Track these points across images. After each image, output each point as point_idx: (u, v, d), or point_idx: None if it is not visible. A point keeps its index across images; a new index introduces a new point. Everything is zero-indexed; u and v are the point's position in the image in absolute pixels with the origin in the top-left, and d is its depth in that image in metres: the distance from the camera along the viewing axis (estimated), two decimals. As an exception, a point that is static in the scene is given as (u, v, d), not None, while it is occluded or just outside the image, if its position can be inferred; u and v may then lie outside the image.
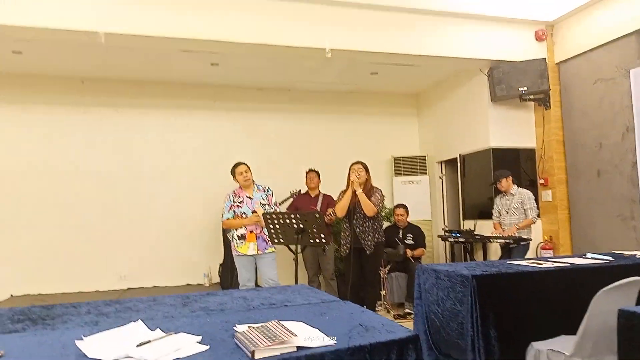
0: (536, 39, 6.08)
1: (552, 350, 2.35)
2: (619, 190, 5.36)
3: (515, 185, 5.38)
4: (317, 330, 1.59)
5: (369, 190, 4.58)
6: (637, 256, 3.35)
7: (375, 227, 4.56)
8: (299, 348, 1.40)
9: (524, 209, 5.18)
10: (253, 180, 4.76)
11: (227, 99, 7.20)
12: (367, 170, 4.63)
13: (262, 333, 1.45)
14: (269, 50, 5.31)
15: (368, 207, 4.46)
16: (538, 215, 5.28)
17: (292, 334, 1.44)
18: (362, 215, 4.54)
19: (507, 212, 5.28)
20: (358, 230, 4.55)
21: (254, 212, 4.58)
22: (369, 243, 4.53)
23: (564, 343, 2.38)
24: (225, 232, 6.20)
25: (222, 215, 4.70)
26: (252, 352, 1.34)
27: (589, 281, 2.73)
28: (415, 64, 6.16)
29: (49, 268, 6.26)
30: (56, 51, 5.55)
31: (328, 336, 1.51)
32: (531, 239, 5.22)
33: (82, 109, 6.61)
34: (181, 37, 4.89)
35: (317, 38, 5.26)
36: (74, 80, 6.58)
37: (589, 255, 3.43)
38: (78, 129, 6.58)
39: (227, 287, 6.06)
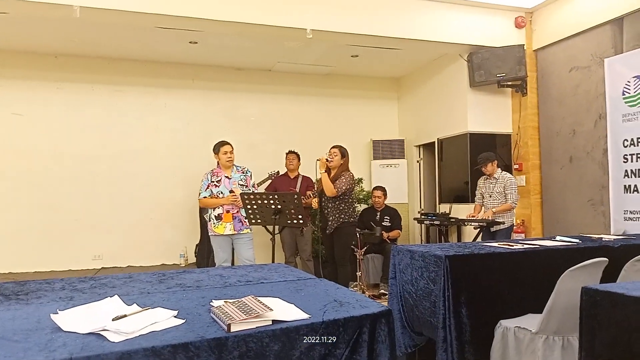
0: (516, 26, 6.15)
1: (519, 327, 2.44)
2: (590, 176, 5.51)
3: (500, 169, 5.35)
4: (292, 305, 1.62)
5: (340, 173, 4.73)
6: (604, 239, 3.47)
7: (341, 208, 4.74)
8: (274, 322, 1.43)
9: (506, 194, 5.18)
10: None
11: (206, 78, 7.11)
12: (343, 155, 4.79)
13: (238, 307, 1.47)
14: (250, 29, 5.25)
15: (327, 187, 4.68)
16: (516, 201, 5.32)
17: (268, 308, 1.47)
18: (326, 197, 4.77)
19: (490, 196, 5.27)
20: (326, 211, 4.79)
21: (231, 192, 4.57)
22: (330, 223, 4.74)
23: (530, 320, 2.47)
24: (202, 212, 6.18)
25: (199, 193, 4.68)
26: (228, 326, 1.37)
27: (557, 262, 2.83)
28: (396, 48, 6.17)
29: (21, 247, 6.16)
30: (29, 25, 5.38)
31: (303, 311, 1.54)
32: (513, 224, 5.28)
33: (56, 85, 6.45)
34: (159, 13, 4.79)
35: (298, 18, 5.22)
36: (47, 55, 6.40)
37: (558, 237, 3.54)
38: (51, 106, 6.43)
39: (204, 267, 6.06)
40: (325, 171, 4.74)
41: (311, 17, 5.25)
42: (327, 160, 4.75)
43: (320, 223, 4.97)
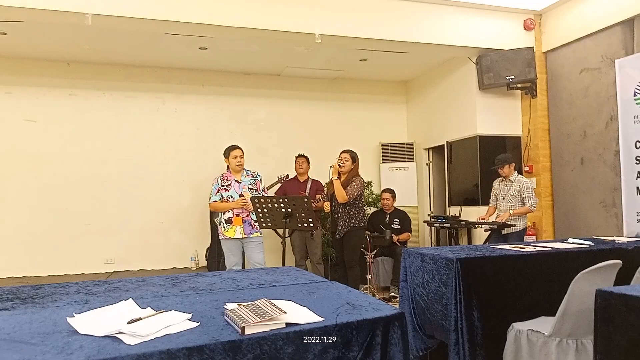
0: (524, 28, 6.12)
1: (532, 330, 2.42)
2: (602, 178, 5.46)
3: (516, 172, 5.28)
4: (305, 308, 1.62)
5: (351, 178, 4.74)
6: (617, 241, 3.44)
7: (351, 213, 4.76)
8: (288, 324, 1.44)
9: (522, 197, 5.09)
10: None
11: (215, 83, 7.16)
12: (354, 160, 4.80)
13: (251, 310, 1.48)
14: (259, 34, 5.27)
15: (339, 193, 4.71)
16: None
17: (281, 311, 1.47)
18: (337, 202, 4.80)
19: (504, 198, 5.22)
20: (336, 216, 4.83)
21: (241, 195, 4.60)
22: (340, 228, 4.79)
23: (543, 323, 2.45)
24: (212, 216, 6.21)
25: (210, 197, 4.71)
26: (242, 328, 1.37)
27: (569, 265, 2.81)
28: (405, 51, 6.16)
29: (33, 251, 6.23)
30: (42, 32, 5.46)
31: (316, 314, 1.55)
32: (526, 227, 5.22)
33: (68, 92, 6.53)
34: (169, 20, 4.84)
35: (307, 23, 5.24)
36: (60, 62, 6.49)
37: (570, 240, 3.51)
38: (64, 112, 6.50)
39: (215, 270, 6.08)
40: (337, 177, 4.77)
41: (320, 22, 5.27)
42: (339, 166, 4.76)
43: (330, 226, 5.00)
